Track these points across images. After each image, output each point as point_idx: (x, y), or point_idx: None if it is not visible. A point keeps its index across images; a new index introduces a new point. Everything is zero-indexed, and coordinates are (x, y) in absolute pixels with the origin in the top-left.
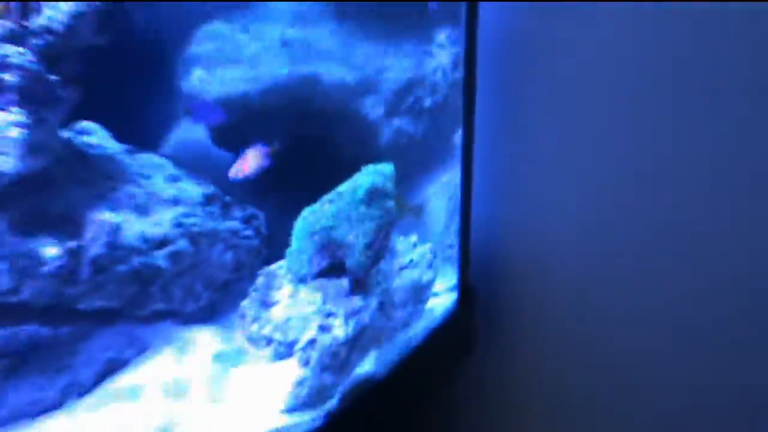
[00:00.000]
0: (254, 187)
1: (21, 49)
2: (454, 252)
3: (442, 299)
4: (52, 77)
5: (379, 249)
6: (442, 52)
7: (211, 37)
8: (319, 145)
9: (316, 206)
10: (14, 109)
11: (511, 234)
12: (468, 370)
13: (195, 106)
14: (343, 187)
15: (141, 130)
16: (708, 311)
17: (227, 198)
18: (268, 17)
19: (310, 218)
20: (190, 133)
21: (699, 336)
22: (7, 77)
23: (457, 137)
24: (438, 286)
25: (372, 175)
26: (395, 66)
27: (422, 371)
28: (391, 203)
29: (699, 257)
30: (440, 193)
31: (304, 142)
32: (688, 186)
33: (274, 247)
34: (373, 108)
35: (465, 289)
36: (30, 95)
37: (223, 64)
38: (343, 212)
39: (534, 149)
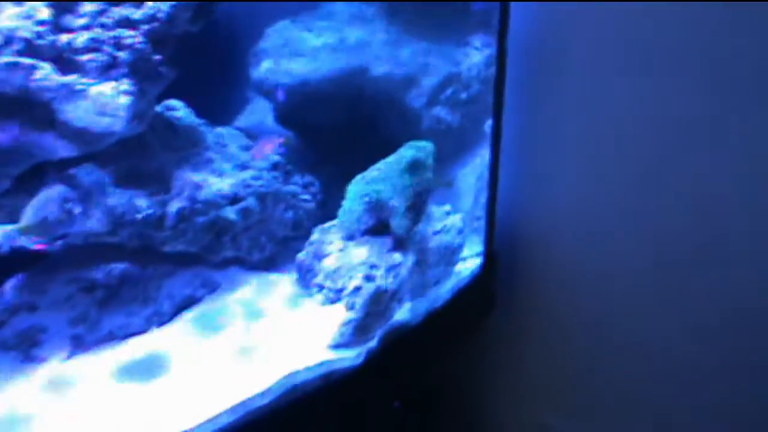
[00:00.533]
0: (313, 159)
1: (133, 32)
2: (481, 224)
3: (468, 264)
4: (155, 57)
5: (417, 213)
6: (477, 53)
7: (279, 33)
8: (368, 126)
9: (366, 173)
10: (125, 80)
11: (531, 210)
12: (487, 327)
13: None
14: (390, 159)
15: (217, 109)
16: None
17: (289, 166)
18: (328, 17)
19: (361, 183)
20: (257, 113)
21: (707, 297)
22: (121, 54)
23: (487, 126)
24: (465, 252)
25: (414, 149)
26: (436, 63)
27: (448, 323)
28: (429, 174)
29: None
30: (470, 174)
31: (356, 123)
32: (707, 167)
33: (327, 211)
34: (415, 98)
35: (489, 255)
36: (137, 70)
37: (288, 56)
38: (389, 179)
39: (553, 137)
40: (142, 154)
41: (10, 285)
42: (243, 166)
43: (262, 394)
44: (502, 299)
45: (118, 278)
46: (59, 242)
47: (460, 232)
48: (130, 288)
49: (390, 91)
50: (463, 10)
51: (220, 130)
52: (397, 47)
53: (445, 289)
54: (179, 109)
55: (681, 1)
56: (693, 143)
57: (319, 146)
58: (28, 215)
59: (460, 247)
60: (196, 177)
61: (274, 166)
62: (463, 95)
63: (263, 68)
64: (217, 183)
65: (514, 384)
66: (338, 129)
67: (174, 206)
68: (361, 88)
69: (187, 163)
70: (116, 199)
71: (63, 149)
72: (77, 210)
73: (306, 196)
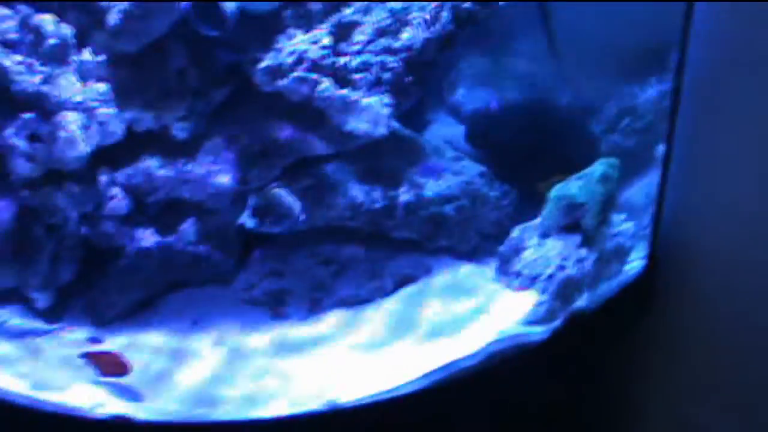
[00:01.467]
0: (501, 175)
1: (393, 58)
2: (647, 232)
3: (634, 264)
4: (408, 78)
5: (604, 216)
6: (651, 89)
7: (471, 66)
8: (550, 149)
9: (566, 183)
10: (386, 95)
11: (695, 219)
12: (647, 326)
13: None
14: (585, 171)
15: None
16: None
17: (492, 176)
18: (515, 54)
19: (563, 189)
20: (442, 132)
21: None
22: (385, 75)
23: (659, 150)
24: (632, 256)
25: (605, 165)
26: (615, 96)
27: (616, 315)
28: (615, 186)
29: None
30: (641, 192)
31: (538, 145)
32: None
33: (520, 216)
34: (596, 125)
35: (652, 257)
36: (395, 88)
37: (479, 85)
38: (584, 187)
39: (720, 160)
40: (379, 155)
41: (258, 254)
42: (458, 173)
43: (470, 357)
44: (661, 301)
45: (350, 256)
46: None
47: (632, 236)
48: (359, 265)
49: (574, 119)
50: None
51: (431, 141)
52: (579, 81)
53: (616, 284)
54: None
55: None
56: None
57: (504, 165)
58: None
59: (631, 249)
60: (420, 179)
61: (481, 174)
62: (639, 124)
63: (458, 94)
64: (437, 185)
65: (666, 382)
66: (522, 150)
67: (402, 199)
68: (545, 114)
69: (412, 165)
70: (357, 191)
71: (321, 147)
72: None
73: (505, 202)
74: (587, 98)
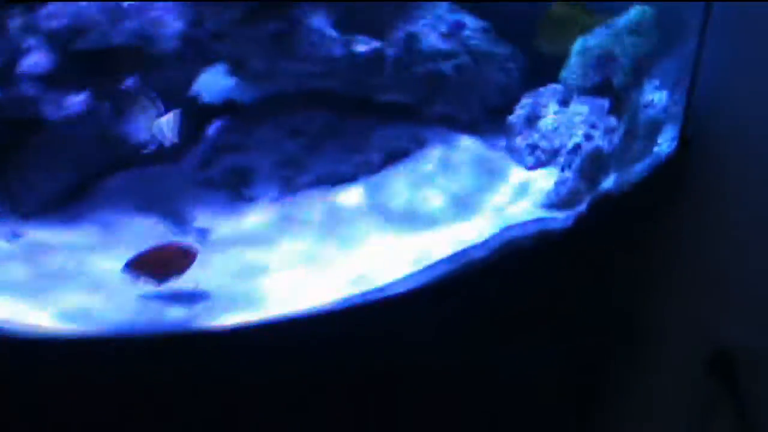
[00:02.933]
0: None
1: None
2: (679, 110)
3: (664, 146)
4: None
5: (638, 75)
6: None
7: None
8: None
9: (593, 32)
10: None
11: (730, 100)
12: (676, 210)
13: None
14: (617, 18)
15: None
16: None
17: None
18: None
19: (590, 39)
20: None
21: None
22: None
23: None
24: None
25: (639, 12)
26: None
27: (646, 197)
28: (654, 39)
29: None
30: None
31: None
32: None
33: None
34: None
35: (683, 138)
36: None
37: None
38: (617, 36)
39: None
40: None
41: (215, 126)
42: (457, 25)
43: (479, 246)
44: (691, 190)
45: (326, 126)
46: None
47: (665, 109)
48: (338, 137)
49: None
50: None
51: None
52: None
53: (646, 165)
54: None
55: None
56: None
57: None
58: None
59: (663, 124)
60: (412, 29)
61: (484, 30)
62: None
63: None
64: (434, 37)
65: (688, 291)
66: None
67: (391, 52)
68: None
69: (405, 15)
70: (334, 42)
71: None
72: None
73: (512, 64)
74: None
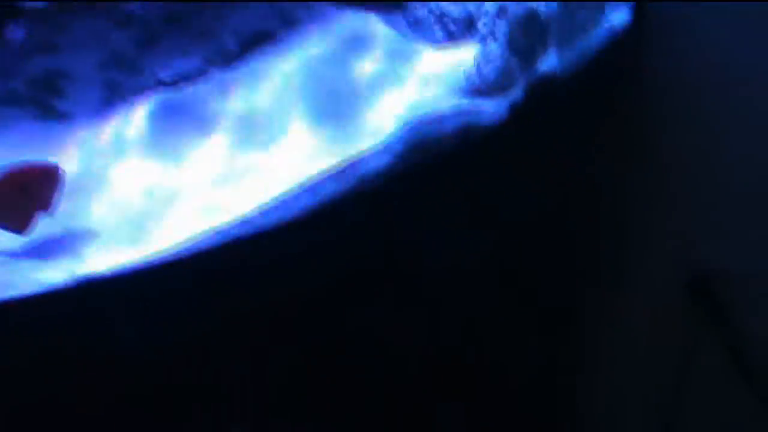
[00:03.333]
0: None
1: None
2: None
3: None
4: None
5: None
6: None
7: None
8: None
9: None
10: None
11: None
12: (630, 91)
13: None
14: None
15: None
16: None
17: None
18: None
19: None
20: None
21: None
22: None
23: None
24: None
25: None
26: None
27: (595, 85)
28: None
29: None
30: None
31: None
32: None
33: None
34: None
35: (639, 7)
36: None
37: None
38: None
39: None
40: None
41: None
42: None
43: (379, 153)
44: (650, 69)
45: (164, 12)
46: None
47: None
48: (180, 23)
49: None
50: None
51: None
52: None
53: (594, 41)
54: None
55: None
56: None
57: None
58: None
59: None
60: None
61: None
62: None
63: None
64: None
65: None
66: None
67: None
68: None
69: None
70: None
71: None
72: None
73: None
74: None
